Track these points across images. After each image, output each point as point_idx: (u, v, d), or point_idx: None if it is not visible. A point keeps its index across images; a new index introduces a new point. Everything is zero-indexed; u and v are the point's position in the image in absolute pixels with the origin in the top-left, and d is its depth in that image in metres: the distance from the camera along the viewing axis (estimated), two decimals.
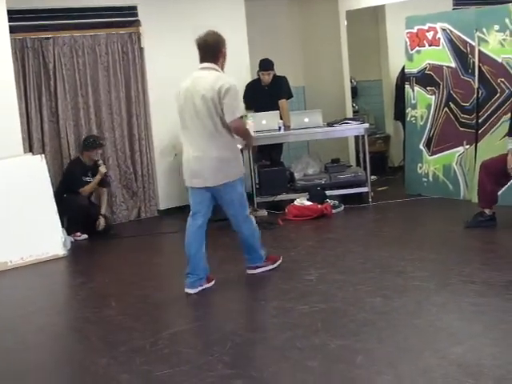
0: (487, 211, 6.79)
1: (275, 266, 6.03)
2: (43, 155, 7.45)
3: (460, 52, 8.09)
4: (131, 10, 8.58)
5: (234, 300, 5.46)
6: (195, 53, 8.96)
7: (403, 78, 8.96)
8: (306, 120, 8.61)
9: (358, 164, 9.60)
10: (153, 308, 5.36)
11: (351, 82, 10.33)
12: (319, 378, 3.87)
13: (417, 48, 8.61)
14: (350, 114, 9.88)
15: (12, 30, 7.52)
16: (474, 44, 7.91)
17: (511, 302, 4.73)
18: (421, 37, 8.55)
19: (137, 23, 8.62)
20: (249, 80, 9.10)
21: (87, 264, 7.12)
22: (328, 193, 8.38)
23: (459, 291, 5.08)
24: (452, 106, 8.24)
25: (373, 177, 9.04)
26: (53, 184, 7.50)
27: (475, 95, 7.96)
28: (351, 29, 9.97)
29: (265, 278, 5.89)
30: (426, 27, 8.48)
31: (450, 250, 6.22)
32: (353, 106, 10.33)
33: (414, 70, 8.65)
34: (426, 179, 8.60)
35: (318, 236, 7.48)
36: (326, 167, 8.93)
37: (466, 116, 8.09)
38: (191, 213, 5.77)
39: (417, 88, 8.62)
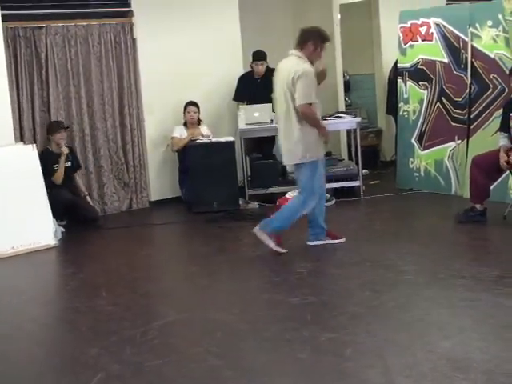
0: (478, 206, 6.81)
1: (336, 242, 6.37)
2: (35, 145, 7.42)
3: (453, 47, 8.10)
4: (124, 1, 8.58)
5: (224, 291, 5.47)
6: (187, 44, 9.04)
7: (396, 72, 8.97)
8: None
9: (349, 158, 9.62)
10: (143, 298, 5.37)
11: (344, 75, 10.34)
12: (308, 369, 3.88)
13: (410, 43, 8.62)
14: (342, 108, 9.89)
15: (4, 18, 7.51)
16: (466, 39, 7.93)
17: (500, 296, 4.75)
18: (414, 31, 8.56)
19: (130, 14, 8.59)
20: (241, 72, 9.10)
21: (78, 254, 7.10)
22: None
23: (449, 286, 5.11)
24: (444, 101, 8.26)
25: (364, 171, 9.06)
26: None
27: (467, 90, 7.98)
28: (344, 22, 9.98)
29: (256, 270, 5.91)
30: (419, 22, 8.49)
31: (440, 244, 6.24)
32: (345, 100, 10.35)
33: (407, 65, 8.67)
34: (417, 174, 8.61)
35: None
36: None
37: (458, 111, 8.11)
38: None
39: (409, 82, 8.64)
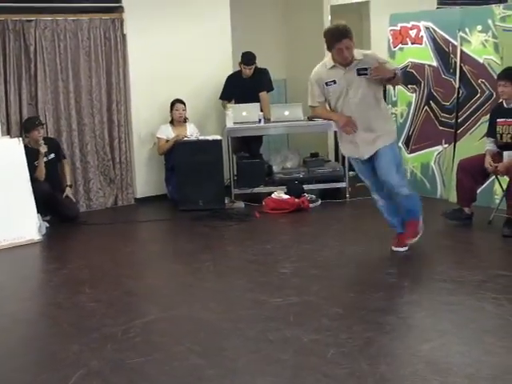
0: (466, 210, 6.84)
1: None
2: (21, 139, 7.37)
3: (442, 51, 8.13)
4: None
5: (208, 290, 5.46)
6: (177, 41, 9.03)
7: None
8: (287, 113, 8.64)
9: (336, 159, 9.63)
10: (127, 295, 5.35)
11: None
12: (291, 370, 3.88)
13: (399, 45, 8.64)
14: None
15: None
16: (456, 44, 7.95)
17: (482, 301, 4.77)
18: (404, 34, 8.58)
19: (120, 9, 8.57)
20: (230, 71, 9.09)
21: (62, 250, 7.08)
22: (306, 187, 8.40)
23: (431, 289, 5.13)
24: (432, 104, 8.28)
25: (351, 172, 9.02)
26: None
27: (456, 95, 8.01)
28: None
29: (241, 270, 5.90)
30: (409, 25, 8.51)
31: (425, 247, 6.25)
32: None
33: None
34: None
35: (294, 230, 7.50)
36: (305, 161, 8.95)
37: (445, 115, 8.14)
38: None
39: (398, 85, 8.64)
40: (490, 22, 7.54)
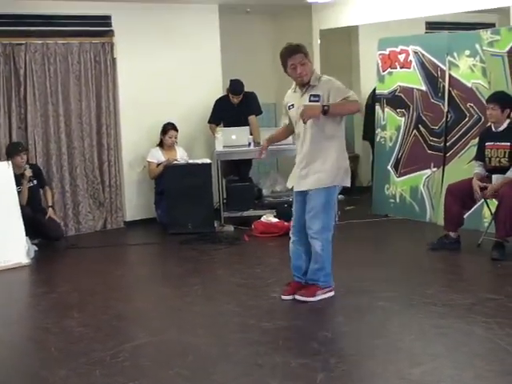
0: (452, 234, 6.84)
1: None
2: (10, 162, 7.37)
3: (431, 75, 8.17)
4: (105, 20, 8.58)
5: (197, 313, 5.43)
6: (168, 65, 9.06)
7: (374, 98, 9.03)
8: None
9: None
10: (115, 319, 5.31)
11: None
12: None
13: (388, 70, 8.69)
14: None
15: None
16: (444, 68, 8.00)
17: (472, 324, 4.76)
18: (393, 59, 8.63)
19: (110, 33, 8.60)
20: (221, 93, 9.12)
21: (51, 273, 7.04)
22: None
23: (421, 312, 5.11)
24: (421, 128, 8.32)
25: (340, 196, 9.03)
26: None
27: (444, 119, 8.05)
28: (324, 48, 10.02)
29: (230, 294, 5.88)
30: (398, 49, 8.57)
31: (414, 271, 6.26)
32: None
33: (385, 92, 8.73)
34: (393, 200, 8.65)
35: (283, 253, 7.40)
36: None
37: (434, 139, 8.17)
38: None
39: (387, 109, 8.69)
40: (477, 46, 7.59)
